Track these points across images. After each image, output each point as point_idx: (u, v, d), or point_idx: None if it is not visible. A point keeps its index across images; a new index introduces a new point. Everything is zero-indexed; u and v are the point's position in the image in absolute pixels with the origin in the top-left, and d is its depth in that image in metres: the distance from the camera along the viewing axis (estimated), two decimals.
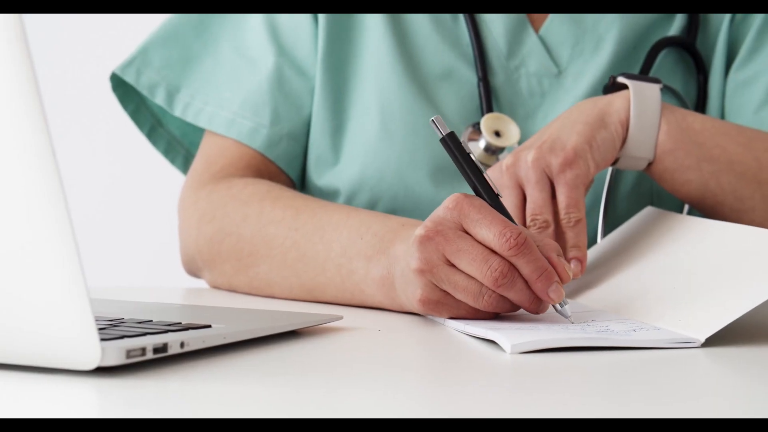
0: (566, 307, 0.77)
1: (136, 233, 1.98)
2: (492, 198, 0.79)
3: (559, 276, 0.76)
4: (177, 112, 1.12)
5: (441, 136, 0.79)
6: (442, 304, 0.78)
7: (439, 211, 0.78)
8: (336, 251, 0.91)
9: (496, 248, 0.75)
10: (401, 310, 0.86)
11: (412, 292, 0.80)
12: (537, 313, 0.77)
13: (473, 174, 0.79)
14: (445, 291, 0.78)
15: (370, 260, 0.87)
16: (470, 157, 0.79)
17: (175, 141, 1.21)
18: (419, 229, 0.78)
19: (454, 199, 0.78)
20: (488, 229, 0.76)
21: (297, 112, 1.10)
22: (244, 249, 1.00)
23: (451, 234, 0.77)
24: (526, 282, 0.76)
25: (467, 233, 0.77)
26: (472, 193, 0.80)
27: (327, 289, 0.92)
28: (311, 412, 0.51)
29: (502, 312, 0.78)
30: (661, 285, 0.83)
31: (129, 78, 1.12)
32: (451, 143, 0.79)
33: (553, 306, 0.77)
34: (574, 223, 0.89)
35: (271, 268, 0.97)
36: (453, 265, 0.77)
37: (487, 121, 1.06)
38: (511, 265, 0.75)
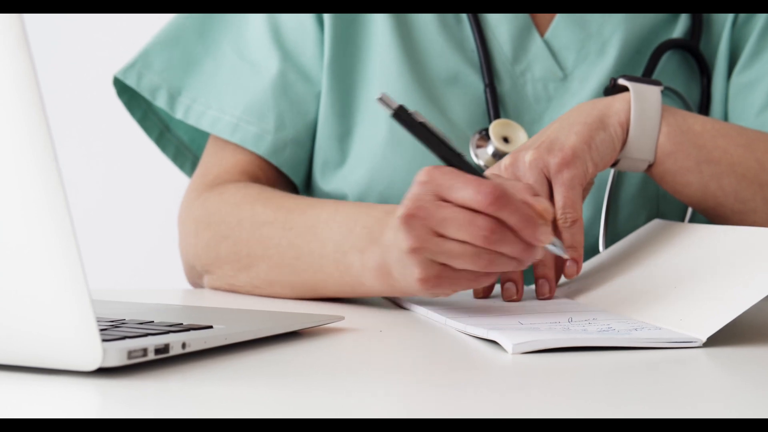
0: (558, 245, 0.78)
1: (137, 235, 1.98)
2: (457, 158, 0.79)
3: (538, 214, 0.77)
4: (179, 114, 1.12)
5: (391, 112, 0.79)
6: (442, 278, 0.79)
7: (413, 188, 0.79)
8: (330, 247, 0.92)
9: (476, 206, 0.76)
10: (403, 295, 0.86)
11: (410, 274, 0.80)
12: (532, 260, 0.78)
13: (430, 141, 0.79)
14: (442, 264, 0.78)
15: (364, 252, 0.88)
16: (424, 126, 0.79)
17: (184, 147, 1.21)
18: (399, 210, 0.78)
19: (424, 173, 0.78)
20: (464, 190, 0.76)
21: (302, 118, 1.10)
22: (241, 251, 1.00)
23: (432, 206, 0.77)
24: (514, 233, 0.76)
25: (446, 201, 0.77)
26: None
27: (328, 285, 0.93)
28: (313, 412, 0.51)
29: (504, 270, 0.78)
30: (662, 285, 0.83)
31: (130, 81, 1.12)
32: (403, 116, 0.79)
33: (546, 247, 0.77)
34: (570, 224, 0.89)
35: (270, 268, 0.98)
36: (442, 236, 0.77)
37: (495, 128, 1.06)
38: (497, 219, 0.76)
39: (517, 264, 0.78)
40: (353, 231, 0.89)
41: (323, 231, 0.93)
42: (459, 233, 0.76)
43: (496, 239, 0.76)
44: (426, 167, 0.79)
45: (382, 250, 0.85)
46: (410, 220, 0.77)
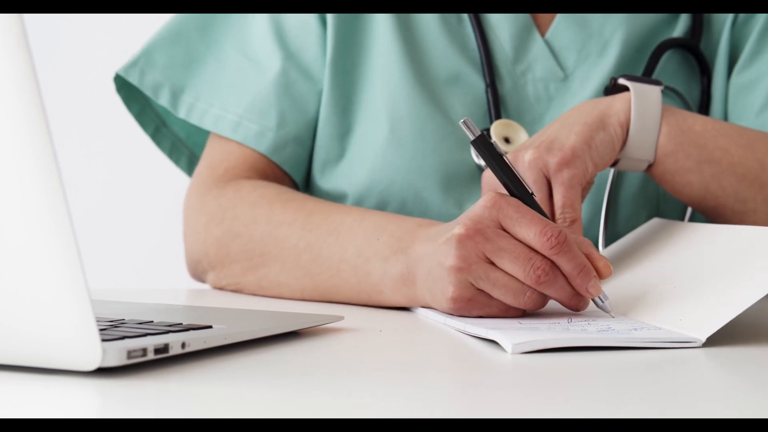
0: (607, 302, 0.79)
1: (137, 235, 1.98)
2: (526, 196, 0.79)
3: (598, 271, 0.78)
4: (181, 113, 1.12)
5: (472, 138, 0.79)
6: (474, 302, 0.79)
7: (477, 210, 0.79)
8: (351, 252, 0.91)
9: (537, 247, 0.77)
10: (420, 307, 0.87)
11: (441, 290, 0.80)
12: (578, 309, 0.79)
13: (506, 173, 0.79)
14: (479, 289, 0.79)
15: (387, 261, 0.88)
16: (502, 157, 0.80)
17: (180, 142, 1.21)
18: (457, 228, 0.79)
19: (491, 198, 0.79)
20: (528, 228, 0.77)
21: (303, 116, 1.10)
22: (254, 249, 1.00)
23: (491, 233, 0.78)
24: (566, 279, 0.77)
25: (506, 232, 0.78)
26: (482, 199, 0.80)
27: (342, 290, 0.93)
28: (312, 412, 0.51)
29: (537, 309, 0.80)
30: (661, 285, 0.83)
31: (133, 79, 1.12)
32: (483, 145, 0.79)
33: (594, 301, 0.79)
34: (569, 223, 0.89)
35: (282, 269, 0.97)
36: (492, 264, 0.78)
37: (496, 128, 1.06)
38: (552, 263, 0.77)
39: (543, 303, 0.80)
40: (380, 239, 0.90)
41: (346, 235, 0.93)
42: (512, 267, 0.77)
43: (546, 281, 0.77)
44: (494, 193, 0.79)
45: (409, 260, 0.86)
46: (465, 240, 0.78)
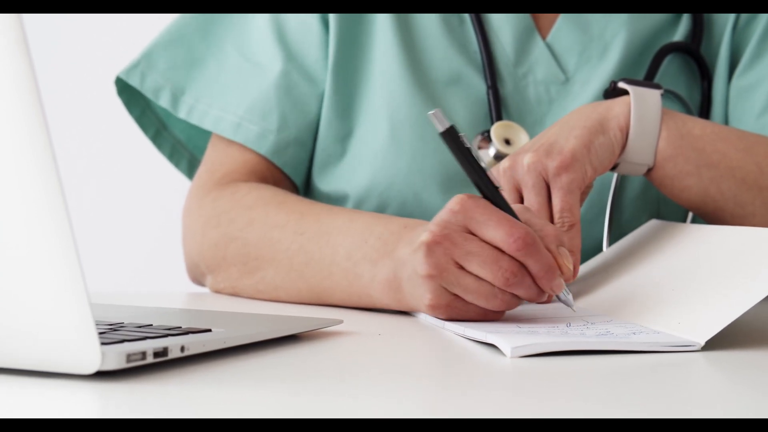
0: (569, 296, 0.79)
1: (137, 236, 1.98)
2: (492, 192, 0.79)
3: (559, 269, 0.78)
4: (182, 114, 1.12)
5: (440, 131, 0.79)
6: (452, 307, 0.80)
7: (444, 215, 0.79)
8: (341, 255, 0.91)
9: (505, 248, 0.77)
10: (409, 311, 0.87)
11: (420, 297, 0.80)
12: (539, 302, 0.80)
13: (473, 167, 0.79)
14: (455, 294, 0.79)
15: (375, 264, 0.88)
16: (469, 151, 0.79)
17: (180, 145, 1.21)
18: (425, 235, 0.79)
19: (458, 201, 0.78)
20: (495, 230, 0.77)
21: (304, 118, 1.10)
22: (250, 253, 1.00)
23: (459, 237, 0.78)
24: (533, 278, 0.78)
25: (474, 235, 0.77)
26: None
27: (334, 293, 0.93)
28: (312, 414, 0.51)
29: (512, 309, 0.80)
30: (660, 288, 0.83)
31: (133, 82, 1.12)
32: (451, 137, 0.79)
33: (557, 296, 0.79)
34: (567, 228, 0.89)
35: (277, 272, 0.97)
36: (462, 268, 0.78)
37: (497, 130, 1.06)
38: (520, 263, 0.77)
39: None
40: (367, 241, 0.90)
41: (336, 238, 0.93)
42: (481, 270, 0.77)
43: (515, 282, 0.77)
44: (460, 195, 0.79)
45: (394, 264, 0.85)
46: (433, 246, 0.78)
